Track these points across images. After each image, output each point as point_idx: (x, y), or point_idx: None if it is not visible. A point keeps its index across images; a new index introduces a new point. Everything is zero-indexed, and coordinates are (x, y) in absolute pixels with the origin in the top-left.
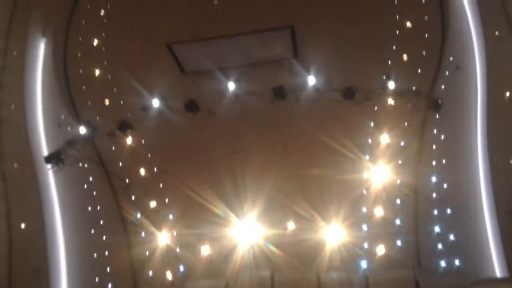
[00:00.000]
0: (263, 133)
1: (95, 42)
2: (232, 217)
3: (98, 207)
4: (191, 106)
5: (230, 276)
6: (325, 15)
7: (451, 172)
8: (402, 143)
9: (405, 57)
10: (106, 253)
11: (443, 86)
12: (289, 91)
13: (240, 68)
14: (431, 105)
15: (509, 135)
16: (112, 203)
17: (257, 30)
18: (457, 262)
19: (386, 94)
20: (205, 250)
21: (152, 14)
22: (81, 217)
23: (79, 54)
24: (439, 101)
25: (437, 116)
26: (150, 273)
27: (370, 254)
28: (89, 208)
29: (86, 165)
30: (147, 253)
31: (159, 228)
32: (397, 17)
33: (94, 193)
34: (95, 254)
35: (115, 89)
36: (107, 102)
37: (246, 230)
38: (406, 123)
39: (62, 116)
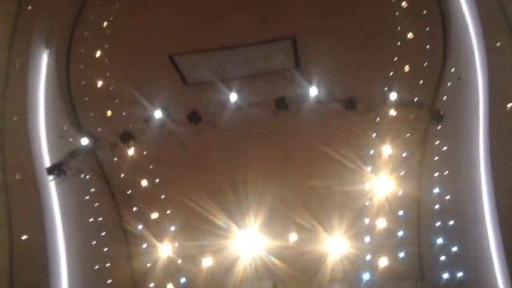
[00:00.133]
0: (265, 143)
1: (98, 53)
2: (234, 228)
3: (100, 219)
4: (193, 117)
5: None
6: (326, 27)
7: (454, 183)
8: (404, 154)
9: (407, 68)
10: (107, 264)
11: (445, 97)
12: (291, 101)
13: (242, 79)
14: (433, 116)
15: (510, 145)
16: (114, 214)
17: (259, 41)
18: (460, 273)
19: (388, 105)
20: (207, 262)
21: (154, 26)
22: (82, 228)
23: (81, 66)
24: (441, 112)
25: (439, 127)
26: (152, 285)
27: (372, 266)
28: (91, 220)
29: (87, 176)
30: (148, 264)
31: (160, 239)
32: (399, 28)
33: (96, 204)
34: (96, 266)
35: (117, 100)
36: (109, 113)
37: (248, 242)
38: (408, 134)
39: (64, 127)
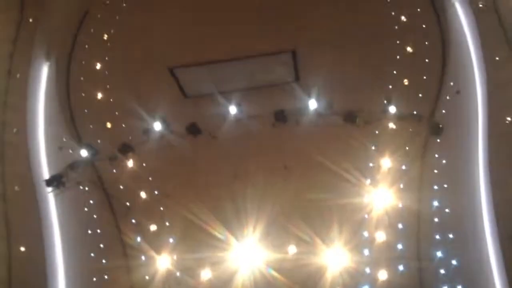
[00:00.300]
0: (264, 156)
1: (98, 66)
2: (233, 240)
3: (98, 231)
4: (193, 129)
5: None
6: (326, 40)
7: (453, 197)
8: (404, 167)
9: (405, 81)
10: (106, 277)
11: (443, 111)
12: (290, 114)
13: (242, 91)
14: (432, 129)
15: (510, 159)
16: (112, 226)
17: (259, 54)
18: (459, 287)
19: (387, 118)
20: (206, 274)
21: (154, 39)
22: (81, 240)
23: (81, 78)
24: (440, 125)
25: (438, 140)
26: None
27: (372, 279)
28: (89, 232)
29: (86, 188)
30: (147, 277)
31: (159, 252)
32: (398, 42)
33: (95, 216)
34: (94, 278)
35: (117, 112)
36: (109, 125)
37: (247, 254)
38: (407, 147)
39: (64, 139)
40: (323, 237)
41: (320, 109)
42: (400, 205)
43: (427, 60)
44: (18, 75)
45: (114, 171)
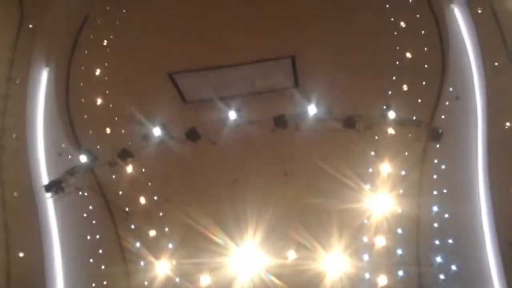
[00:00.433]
0: (264, 161)
1: (98, 71)
2: (232, 246)
3: (98, 236)
4: (192, 135)
5: None
6: (325, 46)
7: (452, 202)
8: (403, 173)
9: (405, 87)
10: (105, 282)
11: (443, 116)
12: (290, 120)
13: (241, 97)
14: (431, 135)
15: (509, 164)
16: (112, 232)
17: (258, 60)
18: None
19: (386, 124)
20: (205, 280)
21: (154, 44)
22: (80, 246)
23: (81, 84)
24: (440, 130)
25: (437, 145)
26: None
27: (371, 285)
28: (88, 237)
29: (85, 194)
30: (146, 283)
31: (158, 257)
32: (397, 48)
33: (94, 222)
34: (93, 284)
35: (116, 118)
36: (108, 130)
37: (246, 260)
38: (406, 153)
39: (63, 145)
40: (323, 242)
41: (320, 115)
42: (400, 211)
43: (426, 66)
44: (17, 81)
45: (114, 176)
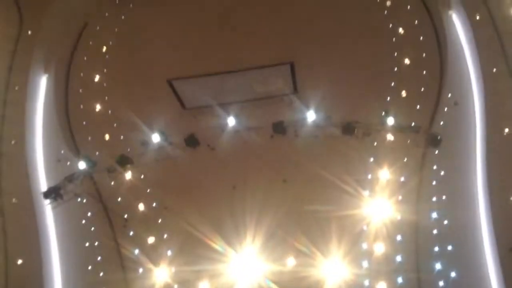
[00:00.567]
0: (263, 168)
1: (97, 77)
2: (232, 253)
3: (96, 243)
4: (191, 141)
5: None
6: (324, 52)
7: (451, 208)
8: (402, 179)
9: (404, 93)
10: None
11: (441, 122)
12: (289, 126)
13: (240, 103)
14: (430, 141)
15: (508, 170)
16: (110, 239)
17: (257, 66)
18: None
19: (385, 130)
20: (204, 286)
21: (153, 51)
22: (78, 253)
23: (80, 90)
24: (439, 137)
25: (436, 151)
26: None
27: None
28: (87, 244)
29: (84, 200)
30: None
31: (157, 264)
32: (396, 54)
33: (92, 228)
34: None
35: (115, 124)
36: (107, 137)
37: (245, 266)
38: (405, 159)
39: (62, 151)
40: (322, 248)
41: (319, 121)
42: (399, 217)
43: (424, 72)
44: (16, 88)
45: (112, 183)
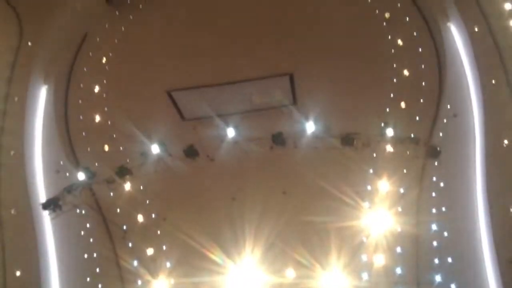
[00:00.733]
0: (262, 179)
1: (96, 89)
2: (231, 264)
3: (95, 255)
4: (191, 152)
5: None
6: (323, 64)
7: (451, 220)
8: (402, 190)
9: (403, 104)
10: None
11: (441, 134)
12: (288, 137)
13: (240, 114)
14: (429, 152)
15: (508, 182)
16: (109, 250)
17: (257, 77)
18: None
19: (384, 141)
20: None
21: (152, 62)
22: (77, 264)
23: (79, 101)
24: (438, 148)
25: (436, 163)
26: None
27: None
28: (86, 256)
29: (83, 212)
30: None
31: (156, 276)
32: (395, 65)
33: (91, 240)
34: None
35: (114, 135)
36: (106, 148)
37: (245, 278)
38: (405, 170)
39: (61, 162)
40: (322, 260)
41: (318, 132)
42: (399, 229)
43: (423, 83)
44: (16, 99)
45: (111, 194)
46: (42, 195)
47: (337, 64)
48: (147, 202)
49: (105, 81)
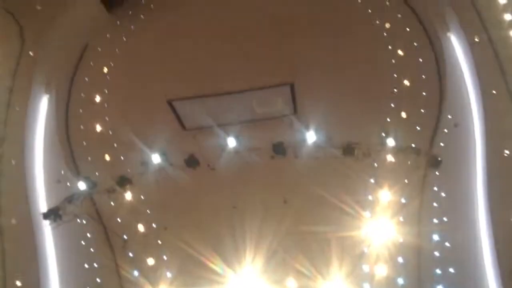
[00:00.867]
0: (263, 188)
1: (97, 98)
2: (231, 274)
3: (95, 265)
4: (191, 162)
5: None
6: (324, 73)
7: (453, 230)
8: (403, 200)
9: (403, 114)
10: None
11: (442, 144)
12: (289, 147)
13: (240, 124)
14: (431, 162)
15: (510, 192)
16: (110, 260)
17: (257, 87)
18: None
19: (385, 151)
20: None
21: (153, 71)
22: (77, 274)
23: (80, 110)
24: (439, 158)
25: (437, 173)
26: None
27: None
28: (86, 266)
29: (84, 221)
30: None
31: (156, 286)
32: (395, 75)
33: (92, 250)
34: None
35: (115, 145)
36: (107, 157)
37: None
38: (406, 180)
39: (62, 172)
40: (323, 270)
41: (319, 142)
42: (400, 239)
43: (424, 93)
44: (17, 108)
45: (112, 204)
46: (43, 205)
47: (338, 74)
48: (148, 211)
49: (106, 91)
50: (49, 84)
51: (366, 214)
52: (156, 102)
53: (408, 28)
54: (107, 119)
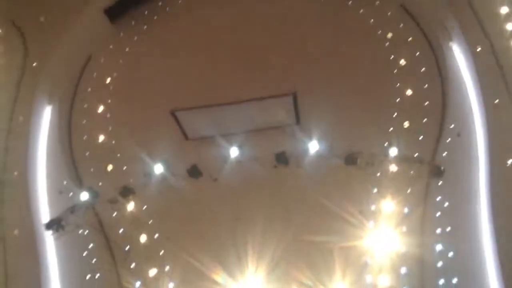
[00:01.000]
0: (266, 198)
1: (100, 109)
2: (234, 285)
3: (98, 275)
4: (194, 172)
5: None
6: (327, 83)
7: (456, 240)
8: (406, 210)
9: (406, 124)
10: None
11: (445, 153)
12: (292, 156)
13: (243, 134)
14: (433, 172)
15: None
16: (112, 271)
17: (260, 97)
18: None
19: (388, 161)
20: None
21: (156, 82)
22: (79, 285)
23: (84, 121)
24: (442, 167)
25: (440, 183)
26: None
27: None
28: (88, 276)
29: (86, 232)
30: None
31: None
32: (398, 85)
33: (94, 260)
34: None
35: (118, 155)
36: (110, 167)
37: None
38: (409, 190)
39: (65, 182)
40: (326, 281)
41: (321, 151)
42: (403, 249)
43: (427, 103)
44: (21, 118)
45: (115, 214)
46: (45, 215)
47: (340, 84)
48: (150, 222)
49: (109, 101)
50: (52, 94)
51: (369, 224)
52: (159, 112)
53: (410, 37)
54: (110, 129)
